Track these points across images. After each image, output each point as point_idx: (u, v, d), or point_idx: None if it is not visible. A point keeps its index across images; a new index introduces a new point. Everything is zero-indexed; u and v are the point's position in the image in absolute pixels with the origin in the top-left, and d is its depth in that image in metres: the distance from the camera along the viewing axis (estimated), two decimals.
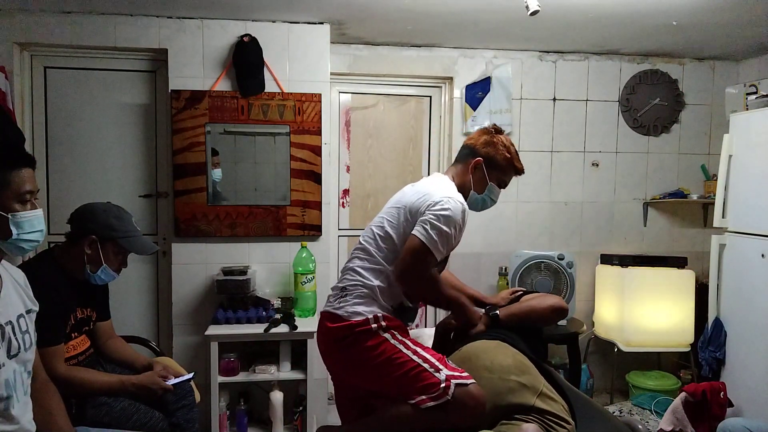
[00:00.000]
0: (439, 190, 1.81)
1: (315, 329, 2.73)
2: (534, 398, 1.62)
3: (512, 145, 1.98)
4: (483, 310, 2.00)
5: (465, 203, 1.82)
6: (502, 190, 2.00)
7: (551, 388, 1.70)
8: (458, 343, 1.91)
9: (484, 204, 2.00)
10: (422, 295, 1.90)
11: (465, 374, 1.65)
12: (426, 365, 1.67)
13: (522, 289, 2.24)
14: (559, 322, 3.05)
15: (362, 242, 1.89)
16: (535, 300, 2.02)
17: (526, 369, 1.71)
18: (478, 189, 1.95)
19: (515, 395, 1.63)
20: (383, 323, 1.75)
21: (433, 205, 1.76)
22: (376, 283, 1.79)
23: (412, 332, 2.21)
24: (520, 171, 1.98)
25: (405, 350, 1.71)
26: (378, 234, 1.85)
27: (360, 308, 1.77)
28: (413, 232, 1.75)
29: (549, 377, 1.76)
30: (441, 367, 1.66)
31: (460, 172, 1.97)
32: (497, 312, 1.96)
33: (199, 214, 2.95)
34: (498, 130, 1.98)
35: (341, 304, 1.80)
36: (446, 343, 2.00)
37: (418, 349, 1.72)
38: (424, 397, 1.63)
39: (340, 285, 1.87)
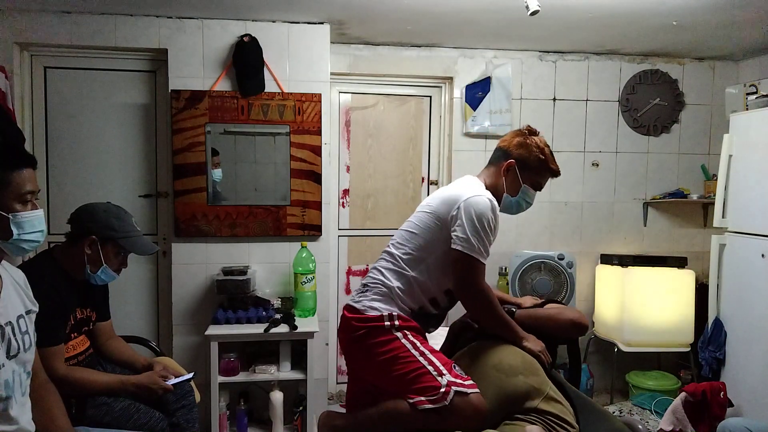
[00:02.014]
0: (465, 192, 1.80)
1: (315, 329, 2.77)
2: (539, 400, 1.62)
3: (547, 146, 1.92)
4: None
5: (493, 199, 1.81)
6: (537, 192, 1.96)
7: (557, 391, 1.70)
8: (470, 341, 1.91)
9: (519, 207, 1.96)
10: (477, 310, 1.85)
11: (468, 382, 1.64)
12: (430, 368, 1.67)
13: (543, 299, 2.20)
14: None
15: (390, 245, 1.92)
16: (556, 310, 1.99)
17: (534, 370, 1.71)
18: (511, 191, 1.92)
19: (521, 395, 1.63)
20: (397, 322, 1.76)
21: (460, 210, 1.76)
22: (396, 284, 1.81)
23: None
24: (555, 173, 1.93)
25: (413, 350, 1.72)
26: (405, 238, 1.87)
27: (377, 304, 1.80)
28: (452, 246, 1.75)
29: (557, 382, 1.76)
30: (445, 372, 1.66)
31: (492, 174, 1.94)
32: (514, 309, 1.95)
33: (199, 214, 2.95)
34: (532, 131, 1.93)
35: (360, 299, 1.85)
36: (459, 341, 1.99)
37: (426, 352, 1.72)
38: (422, 398, 1.63)
39: (363, 282, 1.91)
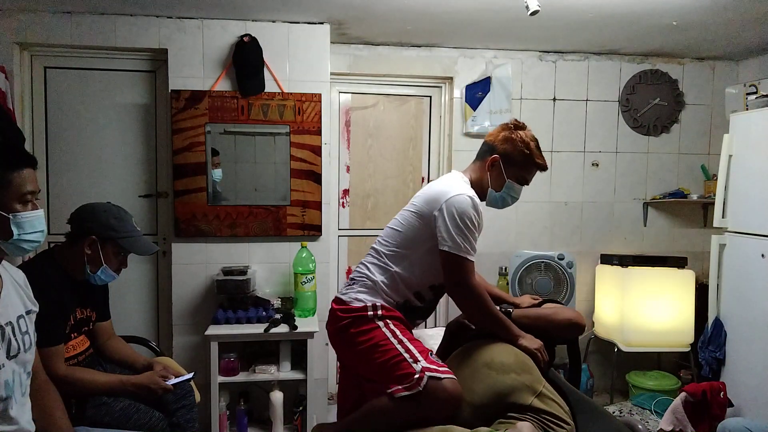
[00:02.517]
0: (447, 191, 1.81)
1: (315, 329, 2.78)
2: (532, 398, 1.62)
3: (533, 140, 1.91)
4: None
5: (474, 196, 1.82)
6: (525, 186, 1.96)
7: (552, 389, 1.70)
8: (467, 341, 1.92)
9: (504, 202, 1.97)
10: (470, 309, 1.88)
11: (443, 369, 1.67)
12: (407, 355, 1.70)
13: (541, 299, 2.20)
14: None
15: (377, 241, 1.96)
16: (552, 309, 2.00)
17: (528, 369, 1.71)
18: (495, 186, 1.93)
19: (513, 393, 1.64)
20: (380, 312, 1.81)
21: (442, 211, 1.78)
22: (380, 278, 1.86)
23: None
24: (542, 167, 1.93)
25: (392, 338, 1.76)
26: (390, 236, 1.91)
27: (362, 296, 1.85)
28: (439, 247, 1.78)
29: (550, 379, 1.76)
30: (420, 358, 1.69)
31: (477, 169, 1.95)
32: (511, 310, 1.96)
33: (199, 214, 2.95)
34: (518, 126, 1.92)
35: (347, 291, 1.90)
36: (458, 340, 2.00)
37: (405, 340, 1.75)
38: (399, 386, 1.67)
39: (351, 276, 1.95)
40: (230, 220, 2.98)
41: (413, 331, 1.95)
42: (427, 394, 1.62)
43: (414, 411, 1.65)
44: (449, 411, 1.63)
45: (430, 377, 1.63)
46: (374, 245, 1.95)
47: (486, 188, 1.93)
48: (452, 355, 1.91)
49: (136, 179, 3.07)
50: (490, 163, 1.91)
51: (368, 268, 1.89)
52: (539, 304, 2.06)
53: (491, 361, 1.73)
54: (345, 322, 1.83)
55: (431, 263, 1.84)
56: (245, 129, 2.97)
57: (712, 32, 3.06)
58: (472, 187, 1.89)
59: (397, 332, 1.77)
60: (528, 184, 1.97)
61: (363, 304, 1.82)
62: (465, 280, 1.79)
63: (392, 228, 1.92)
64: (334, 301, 1.94)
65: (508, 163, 1.90)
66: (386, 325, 1.79)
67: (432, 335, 2.60)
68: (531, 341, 1.82)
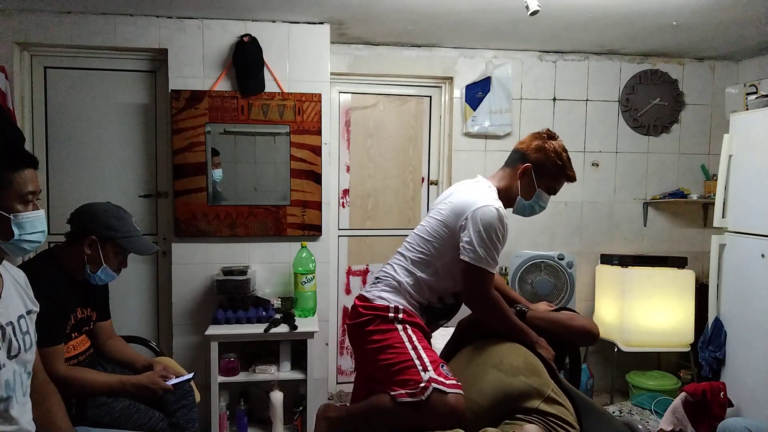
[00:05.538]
0: (474, 201, 1.81)
1: (315, 329, 2.78)
2: (539, 401, 1.62)
3: (565, 151, 1.92)
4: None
5: (501, 207, 1.82)
6: (552, 196, 1.98)
7: (560, 392, 1.70)
8: (477, 340, 1.93)
9: (532, 210, 1.98)
10: (488, 319, 1.88)
11: (450, 382, 1.67)
12: (417, 362, 1.71)
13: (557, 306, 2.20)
14: None
15: (403, 246, 1.98)
16: (567, 316, 2.00)
17: (537, 371, 1.71)
18: (525, 195, 1.94)
19: (521, 396, 1.64)
20: (401, 315, 1.82)
21: (468, 221, 1.78)
22: (405, 279, 1.88)
23: None
24: (571, 178, 1.94)
25: (407, 343, 1.77)
26: (417, 242, 1.93)
27: (386, 295, 1.87)
28: (461, 256, 1.78)
29: (560, 383, 1.76)
30: (430, 368, 1.69)
31: (507, 176, 1.95)
32: (525, 309, 1.97)
33: (199, 214, 2.95)
34: (551, 135, 1.93)
35: (371, 289, 1.92)
36: (466, 338, 2.01)
37: (419, 347, 1.76)
38: (402, 391, 1.68)
39: (376, 275, 1.98)
40: (230, 220, 2.98)
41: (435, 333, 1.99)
42: (429, 405, 1.63)
43: (413, 417, 1.66)
44: (449, 425, 1.63)
45: (435, 389, 1.64)
46: (400, 249, 1.98)
47: (514, 196, 1.93)
48: (461, 353, 1.92)
49: (136, 179, 3.07)
50: (522, 172, 1.91)
51: (394, 269, 1.92)
52: (555, 311, 2.07)
53: (500, 363, 1.74)
54: (365, 319, 1.85)
55: (456, 272, 1.84)
56: (245, 129, 2.97)
57: (712, 32, 3.06)
58: (498, 194, 1.89)
59: (414, 338, 1.78)
60: (555, 194, 1.98)
61: (386, 304, 1.84)
62: (483, 291, 1.80)
63: (419, 234, 1.93)
64: (357, 298, 1.95)
65: (540, 172, 1.90)
66: (405, 329, 1.80)
67: (434, 335, 2.60)
68: (546, 351, 1.83)
